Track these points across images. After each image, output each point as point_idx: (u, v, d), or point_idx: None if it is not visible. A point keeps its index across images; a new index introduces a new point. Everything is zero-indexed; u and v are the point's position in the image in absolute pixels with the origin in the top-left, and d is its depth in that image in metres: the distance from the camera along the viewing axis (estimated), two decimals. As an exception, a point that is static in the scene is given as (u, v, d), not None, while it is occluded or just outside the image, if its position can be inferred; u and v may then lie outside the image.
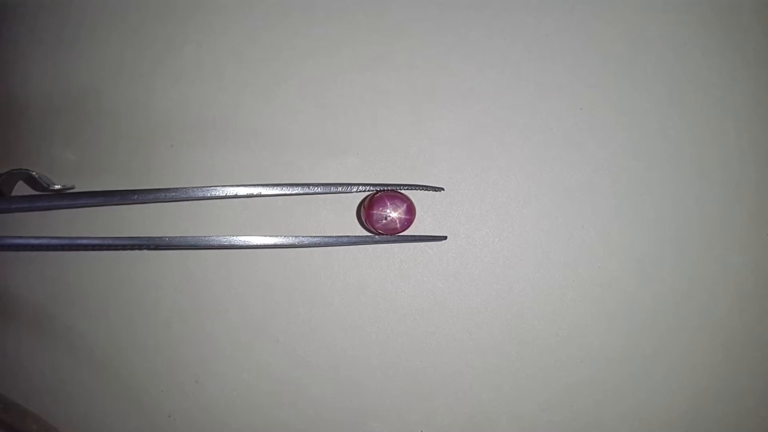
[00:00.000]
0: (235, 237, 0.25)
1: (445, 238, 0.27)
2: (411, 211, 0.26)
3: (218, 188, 0.25)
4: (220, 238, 0.25)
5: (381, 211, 0.25)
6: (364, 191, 0.26)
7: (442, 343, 0.28)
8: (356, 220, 0.28)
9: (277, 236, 0.26)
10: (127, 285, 0.27)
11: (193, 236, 0.25)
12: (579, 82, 0.29)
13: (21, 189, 0.27)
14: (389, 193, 0.26)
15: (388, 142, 0.28)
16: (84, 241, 0.25)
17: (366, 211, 0.26)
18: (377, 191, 0.26)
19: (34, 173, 0.24)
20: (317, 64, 0.28)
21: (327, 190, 0.26)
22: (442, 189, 0.27)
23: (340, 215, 0.28)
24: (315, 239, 0.26)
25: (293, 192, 0.25)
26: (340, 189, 0.26)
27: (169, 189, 0.25)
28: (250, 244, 0.25)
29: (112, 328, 0.27)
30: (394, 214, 0.25)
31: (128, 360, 0.27)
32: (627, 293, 0.29)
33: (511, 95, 0.29)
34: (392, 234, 0.26)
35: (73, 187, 0.25)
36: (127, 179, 0.27)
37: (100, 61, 0.27)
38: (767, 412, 0.29)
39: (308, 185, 0.25)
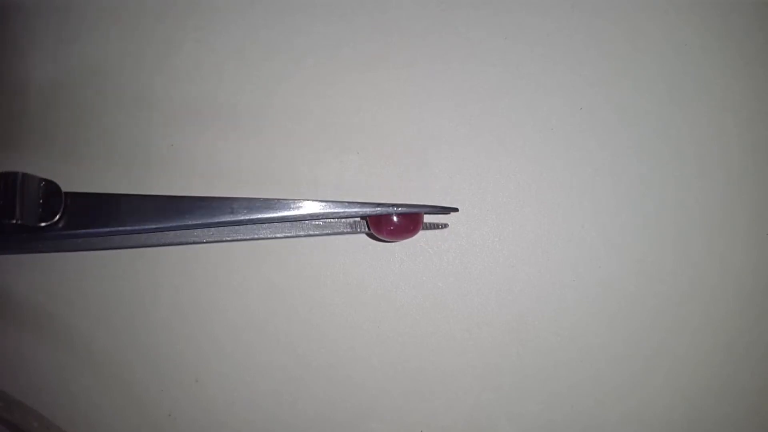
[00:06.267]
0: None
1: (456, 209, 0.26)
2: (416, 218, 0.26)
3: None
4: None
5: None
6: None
7: (442, 343, 0.28)
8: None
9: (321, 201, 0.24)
10: (127, 284, 0.27)
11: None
12: (580, 82, 0.29)
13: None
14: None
15: (388, 141, 0.28)
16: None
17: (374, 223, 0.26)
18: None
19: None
20: (317, 62, 0.28)
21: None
22: (457, 210, 0.25)
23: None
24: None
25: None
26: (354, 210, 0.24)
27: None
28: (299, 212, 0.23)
29: (112, 326, 0.27)
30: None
31: (128, 359, 0.27)
32: (627, 293, 0.29)
33: (512, 95, 0.29)
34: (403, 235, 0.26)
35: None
36: (127, 178, 0.27)
37: (100, 60, 0.27)
38: (767, 412, 0.29)
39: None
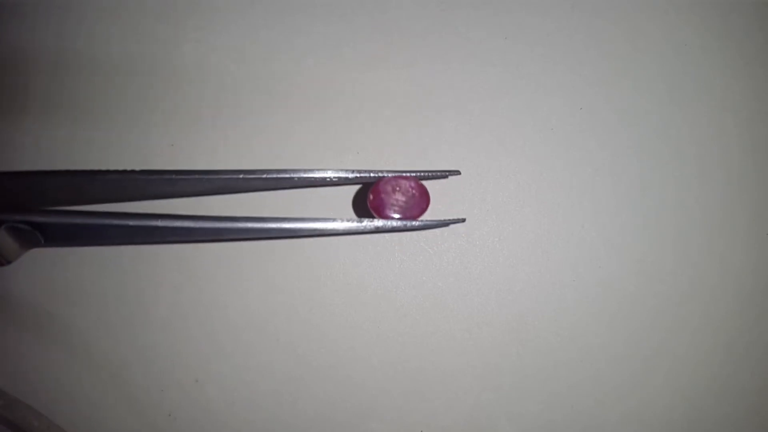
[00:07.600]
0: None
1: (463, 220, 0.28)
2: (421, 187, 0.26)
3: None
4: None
5: (392, 189, 0.26)
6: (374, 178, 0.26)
7: (442, 343, 0.28)
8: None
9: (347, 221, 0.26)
10: (126, 283, 0.27)
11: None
12: (580, 82, 0.29)
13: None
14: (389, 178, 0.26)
15: (388, 141, 0.28)
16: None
17: (375, 192, 0.26)
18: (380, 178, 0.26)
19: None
20: (317, 62, 0.28)
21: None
22: (459, 173, 0.27)
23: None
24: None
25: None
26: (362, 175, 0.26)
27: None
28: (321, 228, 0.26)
29: (112, 326, 0.27)
30: (404, 186, 0.26)
31: (128, 359, 0.27)
32: (627, 293, 0.29)
33: (512, 95, 0.29)
34: (412, 212, 0.26)
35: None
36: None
37: (100, 60, 0.27)
38: (767, 412, 0.29)
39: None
